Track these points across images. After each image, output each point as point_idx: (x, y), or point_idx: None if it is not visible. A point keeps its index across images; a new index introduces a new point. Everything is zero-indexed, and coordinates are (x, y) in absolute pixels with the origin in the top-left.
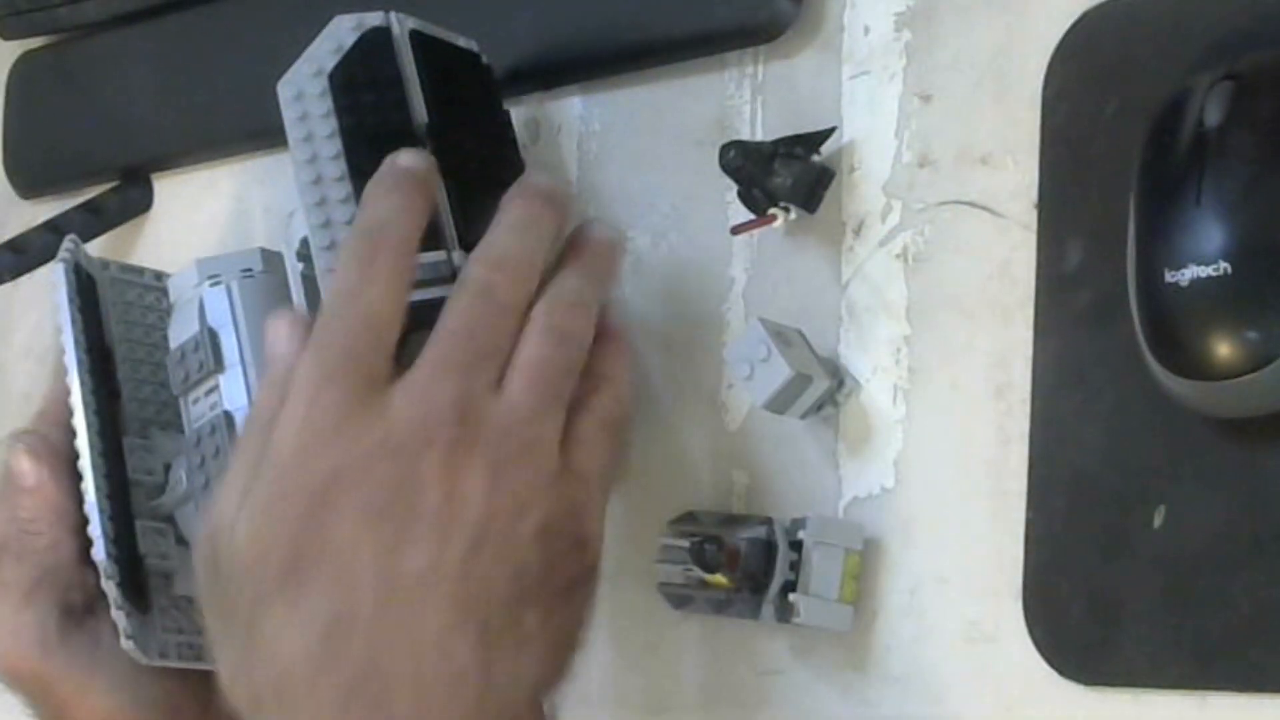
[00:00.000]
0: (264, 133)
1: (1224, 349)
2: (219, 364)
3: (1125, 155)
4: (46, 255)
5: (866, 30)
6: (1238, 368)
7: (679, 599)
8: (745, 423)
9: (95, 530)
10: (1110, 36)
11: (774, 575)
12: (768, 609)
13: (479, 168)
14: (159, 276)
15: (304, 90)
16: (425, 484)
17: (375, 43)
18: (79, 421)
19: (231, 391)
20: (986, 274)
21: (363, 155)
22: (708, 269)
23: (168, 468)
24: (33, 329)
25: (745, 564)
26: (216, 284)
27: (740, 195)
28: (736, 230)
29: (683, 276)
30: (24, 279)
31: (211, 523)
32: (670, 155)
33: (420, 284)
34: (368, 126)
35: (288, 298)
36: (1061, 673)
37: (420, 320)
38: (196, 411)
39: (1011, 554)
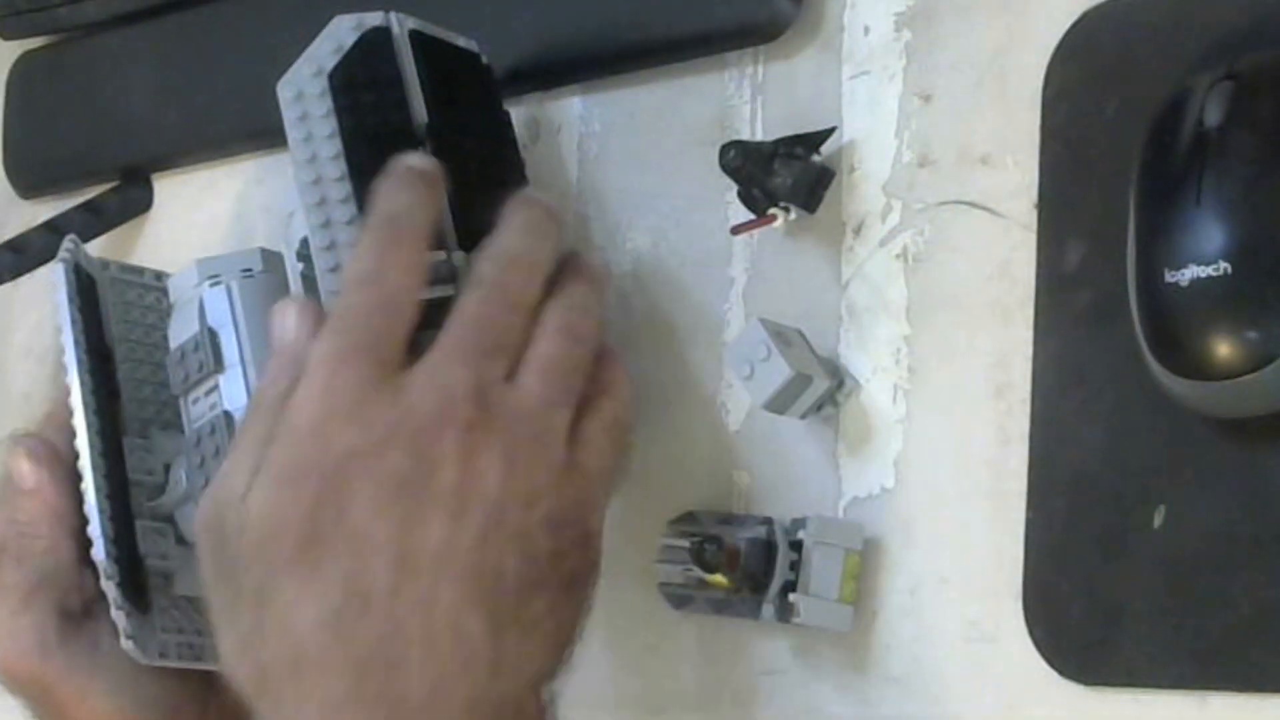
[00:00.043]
0: (264, 133)
1: (1224, 349)
2: (219, 364)
3: (1125, 155)
4: (46, 255)
5: (866, 30)
6: (1238, 368)
7: (679, 599)
8: (745, 423)
9: (95, 530)
10: (1110, 36)
11: (774, 575)
12: (768, 609)
13: (479, 168)
14: (159, 276)
15: (304, 90)
16: (441, 464)
17: (375, 43)
18: (79, 421)
19: (231, 391)
20: (986, 274)
21: (363, 155)
22: (708, 269)
23: (168, 468)
24: (33, 329)
25: (745, 564)
26: (216, 284)
27: (740, 195)
28: (736, 230)
29: (683, 276)
30: (24, 279)
31: (217, 497)
32: (670, 155)
33: None
34: (368, 127)
35: None
36: (1061, 673)
37: (421, 319)
38: (196, 411)
39: (1011, 554)
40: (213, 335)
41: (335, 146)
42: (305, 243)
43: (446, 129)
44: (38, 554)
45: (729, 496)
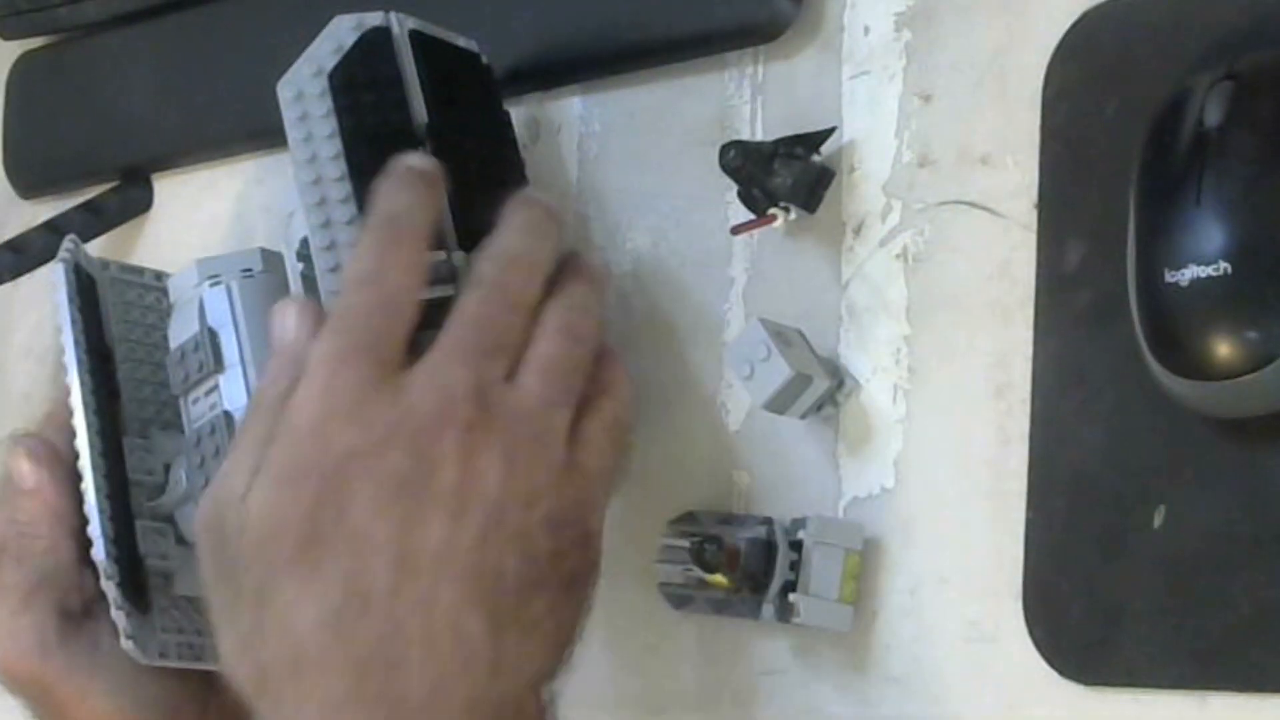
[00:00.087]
0: (264, 133)
1: (1224, 349)
2: (219, 364)
3: (1125, 155)
4: (46, 255)
5: (866, 30)
6: (1238, 368)
7: (679, 599)
8: (745, 423)
9: (95, 530)
10: (1110, 36)
11: (774, 575)
12: (768, 609)
13: (478, 169)
14: (159, 276)
15: (304, 90)
16: (442, 464)
17: (375, 43)
18: (79, 421)
19: (231, 391)
20: (986, 274)
21: (362, 155)
22: (708, 269)
23: (168, 468)
24: (33, 329)
25: (745, 564)
26: (216, 284)
27: (740, 195)
28: (736, 230)
29: (683, 276)
30: (24, 279)
31: (217, 497)
32: (670, 155)
33: None
34: (368, 127)
35: None
36: (1061, 673)
37: (421, 319)
38: (196, 411)
39: (1011, 554)
40: (213, 335)
41: (335, 146)
42: (305, 243)
43: (446, 129)
44: (37, 554)
45: (729, 496)
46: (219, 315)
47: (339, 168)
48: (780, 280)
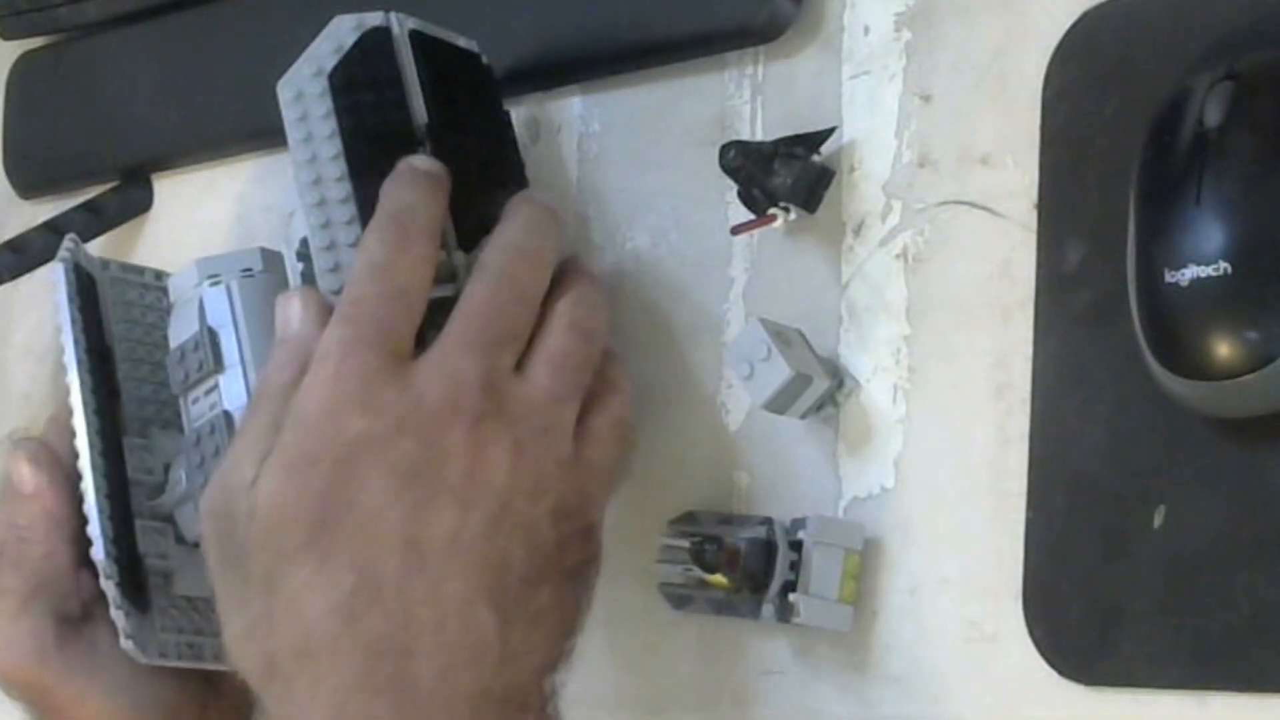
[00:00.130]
0: (264, 133)
1: (1224, 349)
2: (219, 364)
3: (1125, 155)
4: (46, 255)
5: (866, 30)
6: (1238, 368)
7: (679, 599)
8: (745, 423)
9: (94, 530)
10: (1110, 36)
11: (774, 575)
12: (768, 609)
13: (479, 169)
14: (159, 276)
15: (304, 90)
16: (451, 453)
17: (375, 43)
18: (78, 421)
19: (231, 391)
20: (986, 274)
21: (362, 156)
22: (708, 269)
23: (167, 467)
24: (33, 329)
25: (745, 564)
26: (216, 284)
27: (740, 195)
28: (736, 230)
29: (683, 276)
30: (24, 279)
31: (224, 484)
32: (670, 155)
33: None
34: (367, 127)
35: None
36: (1061, 673)
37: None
38: (196, 411)
39: (1011, 554)
40: (213, 335)
41: (335, 147)
42: (305, 242)
43: (446, 129)
44: (35, 560)
45: (729, 496)
46: (219, 315)
47: (339, 168)
48: (780, 280)
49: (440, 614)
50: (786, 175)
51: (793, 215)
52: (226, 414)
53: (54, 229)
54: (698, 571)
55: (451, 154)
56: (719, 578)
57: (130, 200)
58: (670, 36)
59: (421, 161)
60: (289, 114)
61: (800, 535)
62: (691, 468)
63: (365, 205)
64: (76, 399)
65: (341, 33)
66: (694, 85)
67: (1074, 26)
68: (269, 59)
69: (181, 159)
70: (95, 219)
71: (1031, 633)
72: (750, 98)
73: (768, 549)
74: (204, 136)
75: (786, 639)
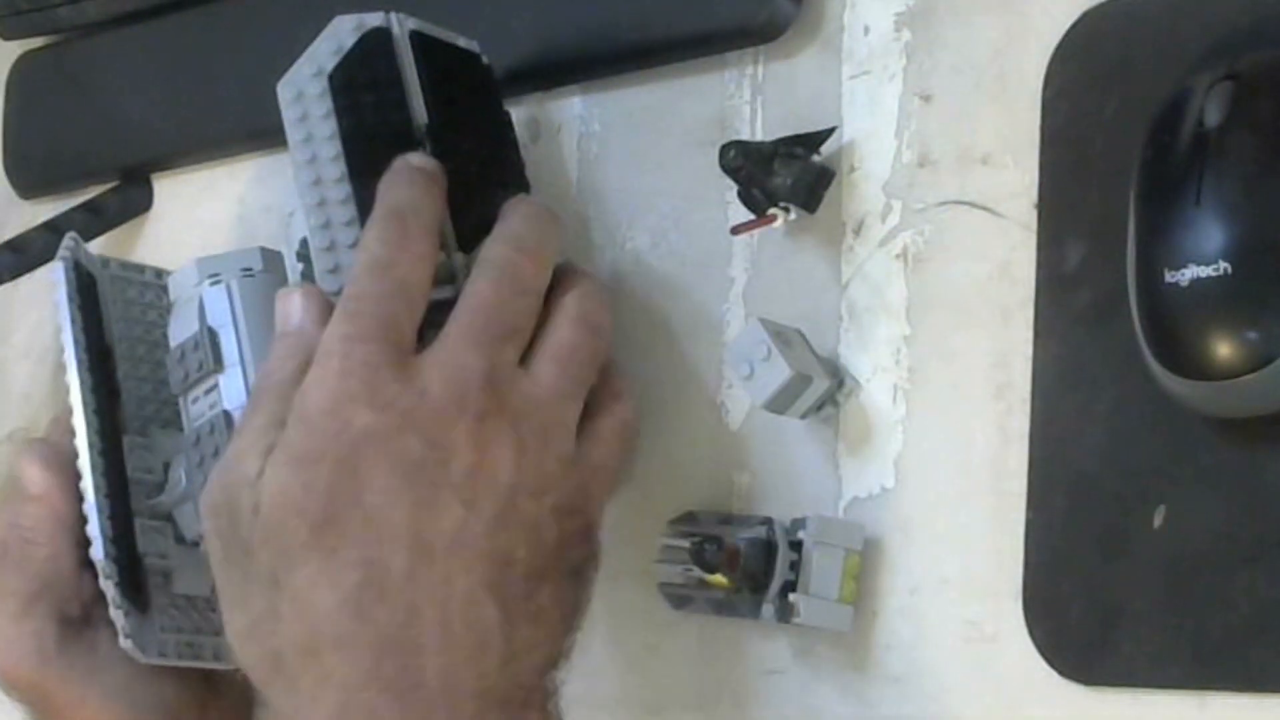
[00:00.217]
0: (264, 133)
1: (1224, 349)
2: (218, 363)
3: (1125, 155)
4: (46, 255)
5: (866, 30)
6: (1238, 368)
7: (679, 599)
8: (745, 423)
9: (93, 529)
10: (1110, 36)
11: (774, 575)
12: (768, 609)
13: (479, 170)
14: (159, 274)
15: (304, 91)
16: (455, 450)
17: (375, 43)
18: (78, 420)
19: (231, 391)
20: (986, 274)
21: (363, 156)
22: (708, 269)
23: (167, 466)
24: (33, 329)
25: (745, 564)
26: (216, 283)
27: (740, 195)
28: (736, 230)
29: (683, 276)
30: (24, 279)
31: (227, 480)
32: (670, 155)
33: None
34: (368, 127)
35: None
36: (1061, 673)
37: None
38: (196, 411)
39: (1011, 554)
40: (212, 335)
41: (335, 147)
42: (305, 243)
43: (446, 130)
44: (37, 562)
45: (729, 496)
46: (219, 314)
47: (339, 168)
48: (780, 280)
49: (446, 611)
50: (786, 175)
51: (793, 215)
52: (226, 413)
53: (54, 229)
54: (698, 571)
55: (451, 155)
56: (719, 578)
57: (130, 200)
58: (670, 36)
59: (417, 159)
60: (289, 114)
61: (800, 535)
62: (691, 468)
63: (365, 206)
64: (76, 398)
65: (342, 33)
66: (694, 85)
67: (1074, 26)
68: (269, 59)
69: (181, 159)
70: (95, 219)
71: (1031, 633)
72: (750, 98)
73: (768, 549)
74: (204, 136)
75: (786, 639)
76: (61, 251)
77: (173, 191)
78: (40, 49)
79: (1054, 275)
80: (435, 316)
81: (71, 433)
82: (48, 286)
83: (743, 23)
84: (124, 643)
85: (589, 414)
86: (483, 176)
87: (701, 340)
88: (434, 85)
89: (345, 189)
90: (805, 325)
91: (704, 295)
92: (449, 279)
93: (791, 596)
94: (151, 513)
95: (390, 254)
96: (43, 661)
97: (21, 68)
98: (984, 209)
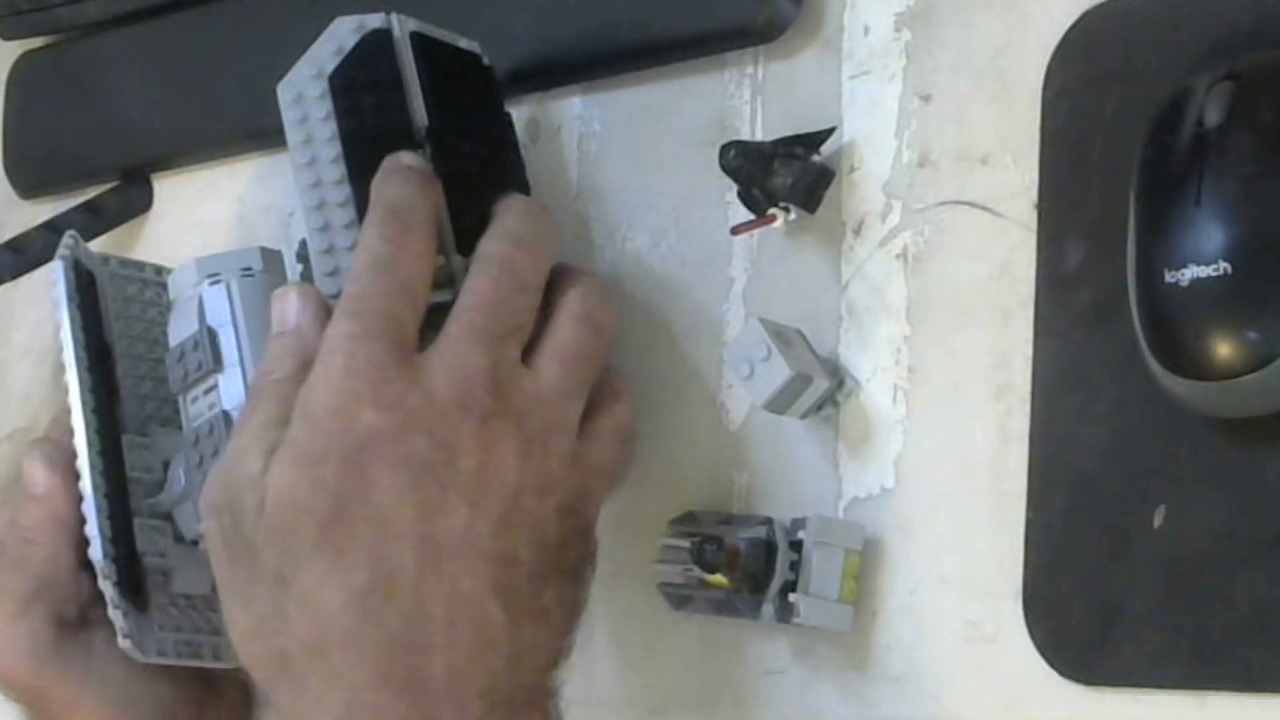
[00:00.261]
0: (264, 133)
1: (1224, 349)
2: (218, 363)
3: (1125, 155)
4: (46, 255)
5: (866, 30)
6: (1238, 368)
7: (679, 599)
8: (745, 423)
9: (92, 529)
10: (1110, 36)
11: (774, 575)
12: (768, 609)
13: (479, 171)
14: (159, 271)
15: (304, 92)
16: (462, 450)
17: (376, 44)
18: (76, 419)
19: (230, 391)
20: (986, 274)
21: (363, 158)
22: (708, 269)
23: (166, 465)
24: (33, 328)
25: (745, 564)
26: (216, 283)
27: (740, 195)
28: (736, 230)
29: (683, 276)
30: (24, 279)
31: (229, 479)
32: (670, 155)
33: None
34: (368, 129)
35: None
36: (1061, 673)
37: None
38: (195, 410)
39: (1011, 554)
40: (212, 334)
41: (335, 149)
42: (304, 244)
43: (447, 132)
44: (36, 562)
45: (729, 496)
46: (218, 314)
47: (339, 170)
48: (780, 280)
49: (453, 611)
50: (786, 175)
51: (793, 215)
52: (225, 414)
53: (54, 229)
54: (698, 571)
55: (452, 156)
56: (719, 578)
57: (130, 200)
58: (670, 36)
59: (409, 158)
60: (289, 116)
61: (800, 535)
62: (691, 468)
63: (365, 208)
64: (75, 397)
65: (342, 34)
66: (694, 85)
67: (1074, 26)
68: (269, 59)
69: (181, 159)
70: (95, 219)
71: (1031, 633)
72: (750, 98)
73: (768, 549)
74: (204, 136)
75: (786, 639)
76: (61, 250)
77: (173, 191)
78: (40, 49)
79: (1054, 275)
80: (433, 319)
81: (71, 432)
82: (48, 286)
83: (743, 23)
84: (123, 642)
85: (588, 413)
86: (483, 178)
87: (701, 340)
88: (435, 87)
89: (345, 191)
90: (805, 325)
91: (704, 295)
92: (448, 282)
93: (791, 596)
94: (151, 512)
95: (392, 252)
96: (39, 662)
97: (21, 68)
98: (984, 209)
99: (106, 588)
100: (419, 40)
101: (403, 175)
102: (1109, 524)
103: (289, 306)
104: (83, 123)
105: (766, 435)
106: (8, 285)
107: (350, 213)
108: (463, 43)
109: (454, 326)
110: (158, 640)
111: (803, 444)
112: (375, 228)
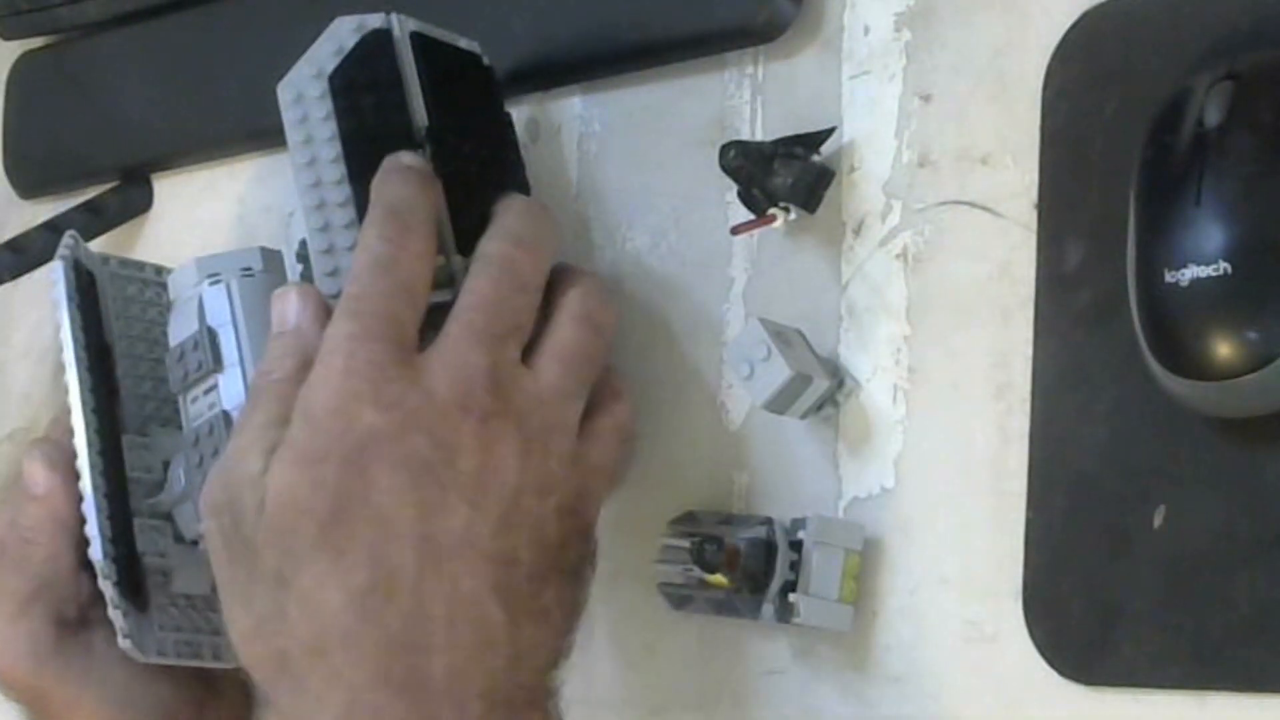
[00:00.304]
0: (264, 133)
1: (1224, 349)
2: (218, 363)
3: (1125, 155)
4: (46, 255)
5: (866, 30)
6: (1238, 368)
7: (679, 599)
8: (745, 423)
9: (92, 529)
10: (1110, 36)
11: (774, 575)
12: (768, 609)
13: (479, 171)
14: (159, 270)
15: (304, 92)
16: (462, 450)
17: (376, 44)
18: (76, 419)
19: (230, 391)
20: (986, 274)
21: (362, 159)
22: (708, 269)
23: (166, 464)
24: (33, 328)
25: (745, 564)
26: (216, 283)
27: (740, 195)
28: (736, 230)
29: (683, 276)
30: (24, 279)
31: (229, 479)
32: (670, 155)
33: None
34: (368, 129)
35: None
36: (1061, 673)
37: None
38: (195, 410)
39: (1011, 554)
40: (212, 334)
41: (335, 149)
42: (305, 244)
43: (447, 132)
44: (36, 563)
45: (729, 496)
46: (218, 314)
47: (339, 171)
48: (780, 280)
49: (453, 611)
50: (786, 175)
51: (793, 215)
52: (225, 414)
53: (54, 229)
54: (698, 571)
55: (452, 157)
56: (719, 578)
57: (130, 200)
58: (670, 36)
59: (408, 157)
60: (289, 116)
61: (800, 535)
62: (691, 468)
63: (365, 209)
64: (75, 397)
65: (342, 34)
66: (694, 85)
67: (1074, 26)
68: (269, 59)
69: (181, 159)
70: (95, 219)
71: (1031, 633)
72: (750, 98)
73: (768, 549)
74: (204, 136)
75: (786, 639)
76: (61, 250)
77: (173, 191)
78: (40, 49)
79: (1054, 275)
80: (433, 319)
81: (71, 432)
82: (48, 286)
83: (743, 23)
84: (123, 642)
85: (588, 413)
86: (483, 179)
87: (701, 340)
88: (435, 87)
89: (345, 191)
90: (805, 325)
91: (704, 295)
92: (448, 282)
93: (791, 596)
94: (151, 512)
95: (392, 251)
96: (38, 663)
97: (21, 68)
98: (984, 209)
99: (106, 588)
100: (419, 40)
101: (403, 175)
102: (1109, 524)
103: (289, 306)
104: (83, 123)
105: (766, 435)
106: (8, 285)
107: (350, 213)
108: (463, 43)
109: (454, 326)
110: (158, 640)
111: (803, 444)
112: (375, 228)
